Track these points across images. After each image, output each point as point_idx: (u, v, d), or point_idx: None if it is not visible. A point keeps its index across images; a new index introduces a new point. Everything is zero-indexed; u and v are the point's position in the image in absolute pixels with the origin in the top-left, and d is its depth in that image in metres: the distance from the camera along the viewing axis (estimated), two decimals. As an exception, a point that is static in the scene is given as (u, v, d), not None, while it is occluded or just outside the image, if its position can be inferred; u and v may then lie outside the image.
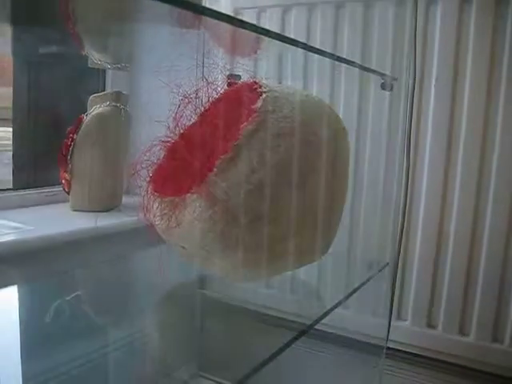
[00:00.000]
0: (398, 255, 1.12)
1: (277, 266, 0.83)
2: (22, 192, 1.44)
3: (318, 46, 1.21)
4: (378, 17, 1.23)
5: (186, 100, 0.86)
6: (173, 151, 0.84)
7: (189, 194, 0.75)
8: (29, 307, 0.95)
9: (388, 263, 1.08)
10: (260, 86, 0.79)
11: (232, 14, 1.39)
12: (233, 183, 0.72)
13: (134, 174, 0.84)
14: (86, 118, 1.40)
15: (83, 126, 1.39)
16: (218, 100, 0.86)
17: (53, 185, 1.51)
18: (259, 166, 0.72)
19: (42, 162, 1.58)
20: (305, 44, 0.93)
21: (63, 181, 1.42)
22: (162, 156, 0.85)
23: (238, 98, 0.81)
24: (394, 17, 1.20)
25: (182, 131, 0.87)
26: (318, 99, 0.83)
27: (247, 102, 0.77)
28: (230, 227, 0.73)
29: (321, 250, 0.88)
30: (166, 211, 0.79)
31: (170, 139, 0.86)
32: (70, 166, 1.39)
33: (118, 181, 1.46)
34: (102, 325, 0.94)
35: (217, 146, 0.77)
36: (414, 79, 1.07)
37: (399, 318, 1.27)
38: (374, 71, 1.08)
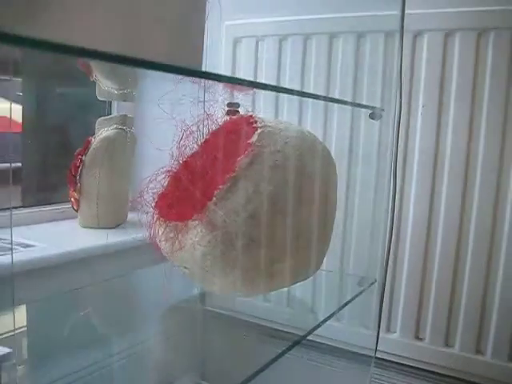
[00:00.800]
0: (385, 273, 1.20)
1: (271, 284, 0.91)
2: (33, 209, 1.52)
3: (312, 75, 1.30)
4: (368, 47, 1.31)
5: (188, 131, 0.94)
6: (176, 180, 0.92)
7: (191, 220, 0.83)
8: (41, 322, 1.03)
9: (376, 280, 1.16)
10: (256, 121, 0.87)
11: (232, 43, 1.47)
12: (230, 211, 0.80)
13: (141, 200, 0.92)
14: (94, 141, 1.49)
15: (91, 149, 1.47)
16: (217, 132, 0.94)
17: (61, 202, 1.59)
18: (254, 196, 0.80)
19: (51, 180, 1.67)
20: (300, 92, 1.01)
21: (72, 199, 1.50)
22: (167, 184, 0.93)
23: (236, 131, 0.89)
24: (384, 48, 1.28)
25: (184, 160, 0.95)
26: (309, 134, 0.92)
27: (244, 135, 0.86)
28: (227, 251, 0.81)
29: (312, 268, 0.96)
30: (170, 235, 0.88)
31: (173, 168, 0.94)
32: (78, 185, 1.47)
33: (123, 199, 1.54)
34: (111, 336, 1.02)
35: (216, 176, 0.85)
36: (400, 108, 1.15)
37: (389, 330, 1.35)
38: (363, 106, 1.16)
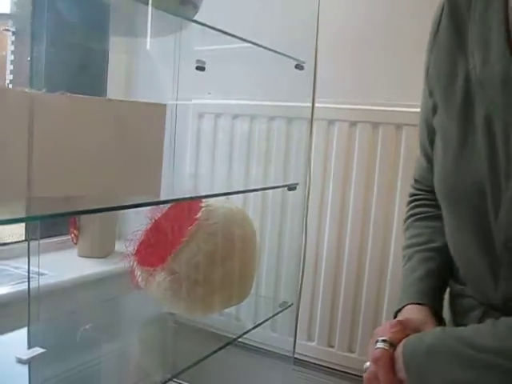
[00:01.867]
0: (299, 298, 1.66)
1: (213, 308, 1.37)
2: (44, 240, 1.97)
3: (255, 147, 1.77)
4: (291, 131, 1.78)
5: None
6: (148, 238, 1.38)
7: (158, 267, 1.29)
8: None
9: (292, 303, 1.63)
10: (202, 202, 1.34)
11: (197, 116, 1.94)
12: (182, 262, 1.26)
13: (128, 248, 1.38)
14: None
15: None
16: (178, 208, 1.41)
17: (60, 234, 2.04)
18: (198, 253, 1.26)
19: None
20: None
21: (72, 235, 1.96)
22: (143, 240, 1.39)
23: (189, 208, 1.36)
24: (299, 132, 1.75)
25: (155, 221, 1.41)
26: (237, 209, 1.38)
27: (193, 212, 1.32)
28: (180, 288, 1.27)
29: (241, 297, 1.42)
30: (144, 275, 1.33)
31: (148, 228, 1.40)
32: (77, 224, 1.93)
33: (112, 234, 2.00)
34: (99, 342, 1.47)
35: (175, 238, 1.31)
36: (309, 182, 1.62)
37: (309, 339, 1.81)
38: (278, 187, 1.63)
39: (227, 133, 1.87)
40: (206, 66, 1.52)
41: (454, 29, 0.91)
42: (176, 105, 1.80)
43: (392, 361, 0.83)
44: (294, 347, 1.67)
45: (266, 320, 1.53)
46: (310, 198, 1.69)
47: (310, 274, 1.75)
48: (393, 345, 0.84)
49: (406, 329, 0.86)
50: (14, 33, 2.03)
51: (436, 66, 0.95)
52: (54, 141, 0.90)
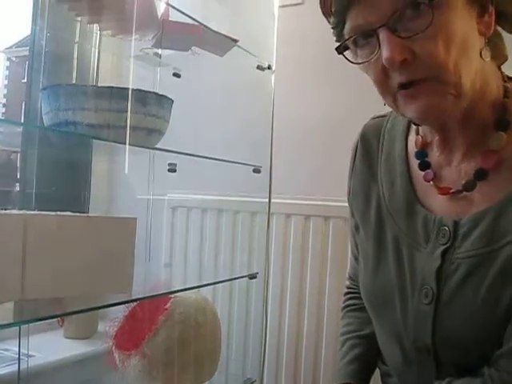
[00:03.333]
0: (262, 372, 1.86)
1: (182, 385, 1.56)
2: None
3: (223, 239, 1.99)
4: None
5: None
6: (125, 324, 1.58)
7: (132, 351, 1.49)
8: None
9: (255, 380, 1.82)
10: (171, 295, 1.54)
11: (171, 210, 2.16)
12: (154, 347, 1.46)
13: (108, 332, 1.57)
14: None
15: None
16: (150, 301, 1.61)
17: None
18: (167, 339, 1.47)
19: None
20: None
21: (59, 319, 2.15)
22: (121, 325, 1.59)
23: (160, 300, 1.57)
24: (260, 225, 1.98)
25: (130, 311, 1.61)
26: (202, 299, 1.59)
27: (163, 303, 1.53)
28: (152, 369, 1.47)
29: (209, 374, 1.62)
30: (121, 358, 1.53)
31: (125, 316, 1.60)
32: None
33: (95, 317, 2.19)
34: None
35: (147, 325, 1.52)
36: (268, 271, 1.84)
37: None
38: (240, 277, 1.85)
39: (197, 225, 2.10)
40: (176, 168, 1.75)
41: (367, 165, 1.07)
42: (152, 199, 2.03)
43: None
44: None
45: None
46: (272, 284, 1.91)
47: (273, 353, 1.94)
48: None
49: None
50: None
51: (354, 193, 1.10)
52: (44, 253, 1.11)
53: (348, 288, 1.30)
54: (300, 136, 2.01)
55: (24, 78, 2.12)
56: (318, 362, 1.91)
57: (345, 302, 1.28)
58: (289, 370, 1.96)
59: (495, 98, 0.90)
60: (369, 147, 1.08)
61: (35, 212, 1.21)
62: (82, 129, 1.28)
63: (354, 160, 1.11)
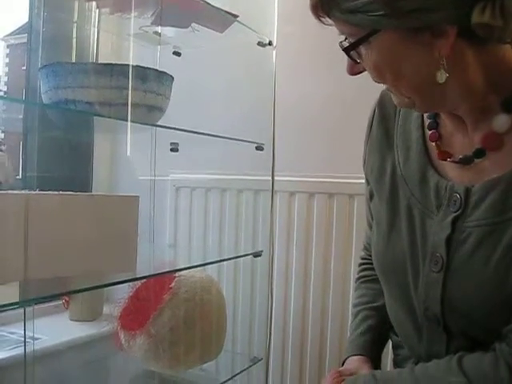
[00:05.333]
0: (268, 353, 1.85)
1: (188, 364, 1.56)
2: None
3: (227, 218, 1.98)
4: (258, 202, 1.99)
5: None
6: (131, 304, 1.58)
7: (138, 331, 1.49)
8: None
9: (262, 358, 1.82)
10: (176, 274, 1.54)
11: (174, 190, 2.15)
12: (159, 326, 1.46)
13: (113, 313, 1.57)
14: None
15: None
16: (155, 280, 1.61)
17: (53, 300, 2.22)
18: (172, 317, 1.46)
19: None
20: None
21: (64, 300, 2.15)
22: (126, 305, 1.59)
23: (165, 279, 1.56)
24: (264, 203, 1.96)
25: (135, 292, 1.61)
26: (207, 277, 1.58)
27: (168, 282, 1.52)
28: (158, 349, 1.46)
29: (213, 354, 1.62)
30: (127, 338, 1.53)
31: (130, 296, 1.60)
32: (69, 291, 2.12)
33: (100, 299, 2.19)
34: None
35: (152, 304, 1.51)
36: (273, 249, 1.83)
37: (281, 389, 2.00)
38: (244, 255, 1.84)
39: (201, 205, 2.09)
40: (178, 148, 1.74)
41: (383, 130, 1.06)
42: (154, 180, 2.02)
43: None
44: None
45: (238, 374, 1.71)
46: (277, 262, 1.90)
47: (279, 331, 1.94)
48: None
49: (343, 375, 1.05)
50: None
51: (369, 160, 1.09)
52: (46, 232, 1.10)
53: (362, 259, 1.28)
54: (303, 113, 1.98)
55: (24, 66, 2.10)
56: (324, 339, 1.90)
57: (359, 273, 1.27)
58: (295, 347, 1.95)
59: None
60: (386, 113, 1.07)
61: (37, 191, 1.19)
62: (82, 107, 1.27)
63: (371, 125, 1.10)
